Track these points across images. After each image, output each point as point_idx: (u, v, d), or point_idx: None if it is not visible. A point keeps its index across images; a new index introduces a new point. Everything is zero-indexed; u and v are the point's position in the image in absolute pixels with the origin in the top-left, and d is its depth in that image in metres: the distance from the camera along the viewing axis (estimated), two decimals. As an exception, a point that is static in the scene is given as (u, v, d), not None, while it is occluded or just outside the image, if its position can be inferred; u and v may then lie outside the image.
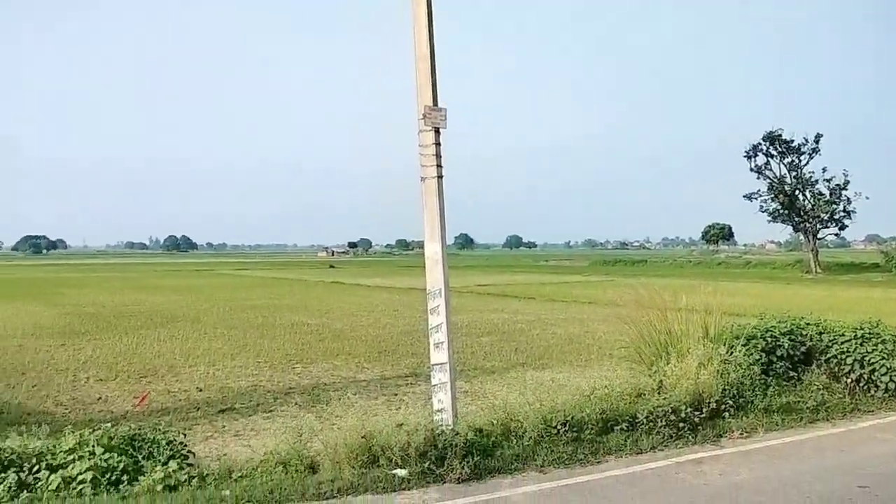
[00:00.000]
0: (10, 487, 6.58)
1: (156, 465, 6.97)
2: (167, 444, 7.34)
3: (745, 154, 71.60)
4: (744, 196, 73.61)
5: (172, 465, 6.99)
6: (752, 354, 10.48)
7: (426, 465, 7.27)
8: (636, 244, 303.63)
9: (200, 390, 12.56)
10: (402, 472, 7.19)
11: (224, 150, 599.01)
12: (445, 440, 7.50)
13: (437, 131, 8.17)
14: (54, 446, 7.08)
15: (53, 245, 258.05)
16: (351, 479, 7.02)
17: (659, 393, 9.48)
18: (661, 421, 8.72)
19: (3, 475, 6.70)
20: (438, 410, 8.05)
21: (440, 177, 8.13)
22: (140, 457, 7.11)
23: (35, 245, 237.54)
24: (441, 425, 7.74)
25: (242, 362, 15.45)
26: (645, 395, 9.52)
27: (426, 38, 8.20)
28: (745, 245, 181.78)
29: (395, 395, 11.98)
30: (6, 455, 6.88)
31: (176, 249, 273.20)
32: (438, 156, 8.14)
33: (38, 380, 13.47)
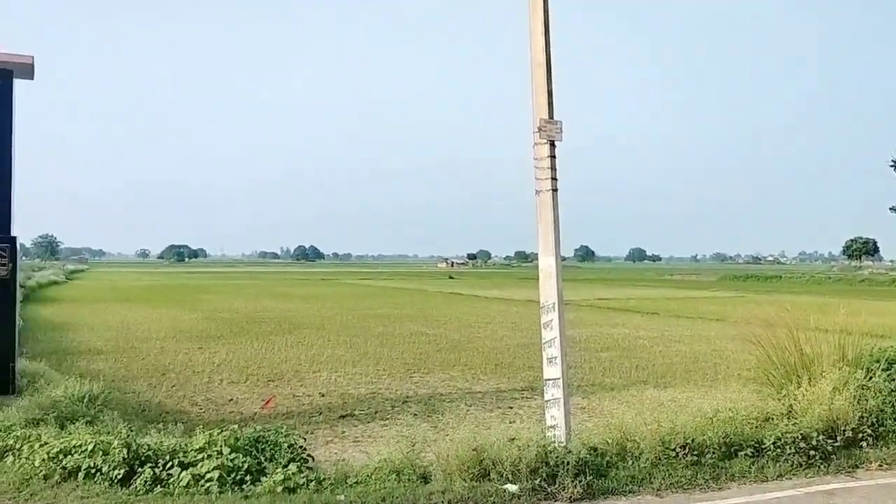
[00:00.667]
0: (145, 482, 7.07)
1: (277, 467, 7.27)
2: (288, 447, 7.62)
3: (892, 163, 66.60)
4: (891, 208, 68.51)
5: (292, 467, 7.27)
6: (894, 380, 9.68)
7: (537, 481, 7.19)
8: (770, 258, 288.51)
9: (323, 395, 13.00)
10: (512, 488, 7.15)
11: (347, 162, 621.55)
12: (557, 457, 7.39)
13: (552, 144, 8.09)
14: (186, 444, 7.53)
15: (195, 254, 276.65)
16: (461, 492, 7.05)
17: (788, 418, 8.93)
18: (790, 448, 8.20)
19: (140, 469, 7.22)
20: (551, 427, 7.95)
21: (555, 190, 8.04)
22: (263, 458, 7.44)
23: (179, 254, 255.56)
24: (553, 442, 7.64)
25: (363, 370, 15.87)
26: (773, 419, 8.99)
27: (542, 46, 8.10)
28: (892, 261, 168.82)
29: (511, 408, 11.93)
30: (143, 451, 7.39)
31: (304, 259, 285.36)
32: (553, 168, 8.06)
33: (176, 380, 14.38)
